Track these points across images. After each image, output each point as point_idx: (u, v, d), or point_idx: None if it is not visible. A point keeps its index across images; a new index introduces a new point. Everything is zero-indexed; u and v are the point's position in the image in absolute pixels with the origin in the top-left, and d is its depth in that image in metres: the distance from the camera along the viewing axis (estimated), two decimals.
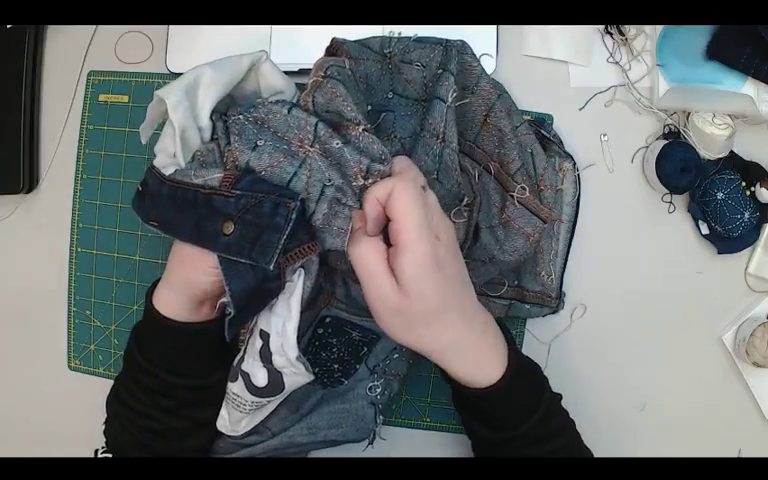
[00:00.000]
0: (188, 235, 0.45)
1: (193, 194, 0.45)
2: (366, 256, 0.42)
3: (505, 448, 0.47)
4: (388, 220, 0.42)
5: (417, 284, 0.41)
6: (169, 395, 0.49)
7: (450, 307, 0.43)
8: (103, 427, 0.52)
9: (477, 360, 0.46)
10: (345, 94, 0.45)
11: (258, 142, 0.46)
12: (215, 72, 0.48)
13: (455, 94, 0.50)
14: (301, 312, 0.46)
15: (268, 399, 0.50)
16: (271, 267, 0.43)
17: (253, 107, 0.47)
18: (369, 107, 0.53)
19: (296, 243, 0.44)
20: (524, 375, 0.48)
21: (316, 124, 0.45)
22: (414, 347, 0.45)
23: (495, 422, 0.47)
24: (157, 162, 0.48)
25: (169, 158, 0.48)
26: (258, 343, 0.48)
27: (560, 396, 0.51)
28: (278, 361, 0.47)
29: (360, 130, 0.44)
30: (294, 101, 0.49)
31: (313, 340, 0.55)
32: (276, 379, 0.48)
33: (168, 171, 0.47)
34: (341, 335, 0.56)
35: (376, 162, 0.44)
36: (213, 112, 0.49)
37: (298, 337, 0.47)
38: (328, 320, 0.55)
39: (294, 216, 0.43)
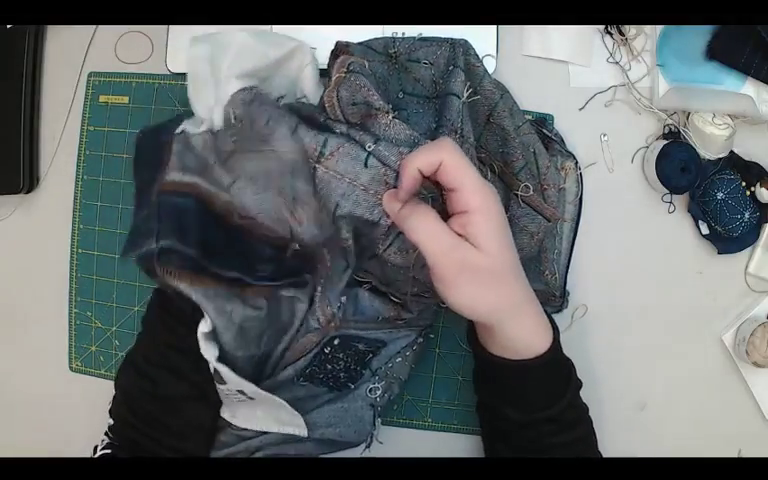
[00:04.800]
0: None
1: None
2: (429, 225, 0.41)
3: (526, 432, 0.47)
4: (439, 188, 0.43)
5: (495, 239, 0.41)
6: (182, 350, 0.49)
7: (518, 263, 0.45)
8: (108, 406, 0.53)
9: (532, 328, 0.46)
10: (370, 85, 0.45)
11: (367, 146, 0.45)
12: (255, 40, 0.48)
13: (470, 90, 0.50)
14: None
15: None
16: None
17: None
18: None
19: None
20: (562, 353, 0.49)
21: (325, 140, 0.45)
22: (485, 310, 0.44)
23: (526, 401, 0.47)
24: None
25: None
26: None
27: (581, 383, 0.51)
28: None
29: (390, 118, 0.44)
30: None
31: (319, 355, 0.55)
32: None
33: (198, 128, 0.48)
34: (347, 349, 0.56)
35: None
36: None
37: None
38: (336, 342, 0.55)
39: None
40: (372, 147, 0.44)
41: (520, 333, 0.45)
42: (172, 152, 0.48)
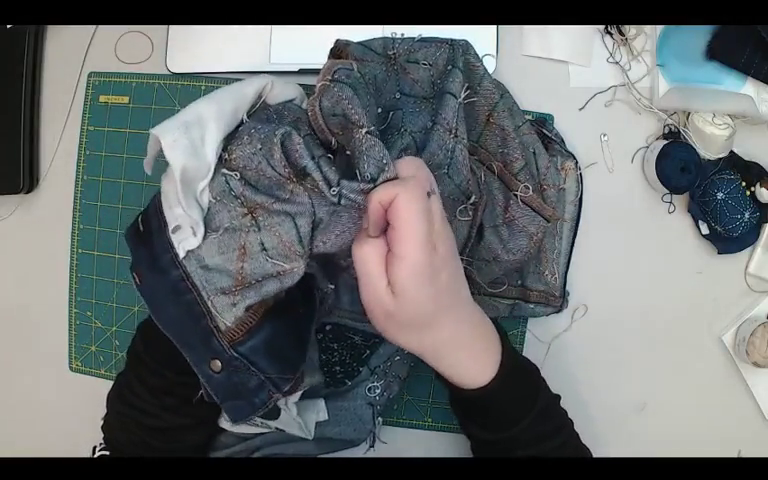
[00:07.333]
0: (173, 332, 0.44)
1: (199, 312, 0.43)
2: (366, 257, 0.42)
3: (498, 449, 0.48)
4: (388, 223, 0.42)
5: (409, 292, 0.41)
6: (174, 393, 0.49)
7: (442, 312, 0.43)
8: (101, 423, 0.53)
9: (468, 363, 0.46)
10: (351, 96, 0.44)
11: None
12: (219, 105, 0.44)
13: (468, 91, 0.50)
14: None
15: (262, 421, 0.51)
16: (235, 422, 0.46)
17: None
18: (379, 109, 0.52)
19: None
20: (518, 377, 0.48)
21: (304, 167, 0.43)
22: (406, 348, 0.45)
23: (488, 423, 0.47)
24: (170, 221, 0.43)
25: (183, 219, 0.43)
26: None
27: (558, 397, 0.50)
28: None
29: (363, 133, 0.43)
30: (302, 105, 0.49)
31: (312, 343, 0.55)
32: (275, 407, 0.49)
33: (187, 245, 0.43)
34: (342, 340, 0.56)
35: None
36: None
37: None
38: (328, 327, 0.55)
39: (272, 404, 0.46)
40: (336, 190, 0.42)
41: (454, 370, 0.46)
42: (197, 289, 0.43)
